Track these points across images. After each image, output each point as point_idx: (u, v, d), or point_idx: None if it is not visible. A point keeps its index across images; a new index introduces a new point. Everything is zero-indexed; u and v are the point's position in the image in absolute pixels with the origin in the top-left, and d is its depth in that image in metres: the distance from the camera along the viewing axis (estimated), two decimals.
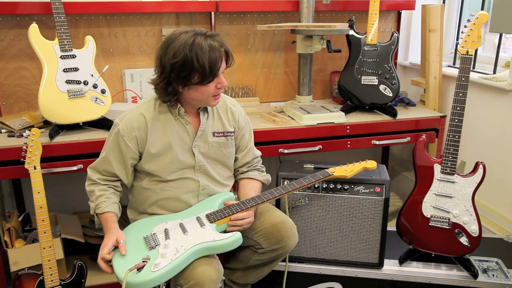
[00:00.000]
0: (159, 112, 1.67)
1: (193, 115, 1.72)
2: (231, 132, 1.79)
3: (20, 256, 2.06)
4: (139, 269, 1.45)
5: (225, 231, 1.63)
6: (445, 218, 1.93)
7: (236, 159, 1.87)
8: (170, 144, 1.68)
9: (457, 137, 1.87)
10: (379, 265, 2.00)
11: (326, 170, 1.86)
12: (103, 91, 2.15)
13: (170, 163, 1.69)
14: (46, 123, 2.17)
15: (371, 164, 1.90)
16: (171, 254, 1.49)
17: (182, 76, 1.54)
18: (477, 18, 1.83)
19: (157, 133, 1.67)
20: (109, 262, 1.53)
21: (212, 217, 1.65)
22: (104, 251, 1.52)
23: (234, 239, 1.56)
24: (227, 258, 1.94)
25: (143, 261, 1.47)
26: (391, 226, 2.10)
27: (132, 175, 1.74)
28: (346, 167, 1.88)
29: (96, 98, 2.13)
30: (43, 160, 1.90)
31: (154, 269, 1.44)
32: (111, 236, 1.56)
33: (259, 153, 1.95)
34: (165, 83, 1.58)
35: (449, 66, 2.83)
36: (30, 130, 1.81)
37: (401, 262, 2.03)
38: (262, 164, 1.97)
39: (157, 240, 1.57)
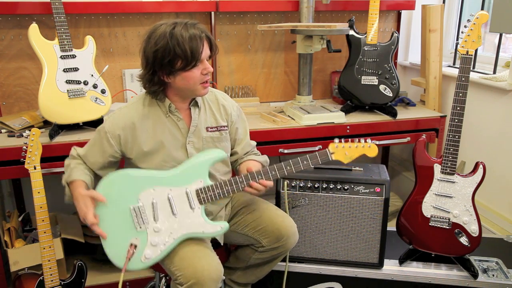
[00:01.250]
0: (149, 110, 1.66)
1: (184, 111, 1.70)
2: (224, 126, 1.77)
3: (20, 256, 2.06)
4: (130, 257, 1.55)
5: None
6: (445, 218, 1.93)
7: (235, 153, 1.86)
8: (162, 142, 1.66)
9: (457, 137, 1.87)
10: (379, 265, 2.00)
11: (326, 150, 1.69)
12: (103, 91, 2.15)
13: (163, 161, 1.66)
14: (46, 123, 2.17)
15: (373, 151, 1.70)
16: (160, 244, 1.56)
17: (165, 63, 1.53)
18: (477, 18, 1.82)
19: (147, 131, 1.65)
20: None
21: (202, 197, 1.61)
22: (89, 218, 1.53)
23: (222, 231, 1.63)
24: (227, 257, 1.94)
25: (131, 244, 1.55)
26: (391, 226, 2.10)
27: (109, 170, 1.70)
28: (347, 150, 1.69)
29: (96, 98, 2.13)
30: (43, 160, 1.90)
31: (145, 260, 1.57)
32: (83, 199, 1.56)
33: (254, 142, 1.93)
34: (150, 73, 1.57)
35: (449, 66, 2.83)
36: (30, 130, 1.81)
37: (401, 262, 2.03)
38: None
39: (146, 219, 1.58)
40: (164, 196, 1.60)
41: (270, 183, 1.65)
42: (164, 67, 1.54)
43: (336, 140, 1.68)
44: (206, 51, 1.57)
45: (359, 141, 1.69)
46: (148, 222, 1.57)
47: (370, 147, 1.69)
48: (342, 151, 1.68)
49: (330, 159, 1.68)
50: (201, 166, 1.63)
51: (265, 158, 1.90)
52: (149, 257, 1.55)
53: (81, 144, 2.01)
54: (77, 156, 1.72)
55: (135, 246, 1.54)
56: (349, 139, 1.70)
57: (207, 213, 1.66)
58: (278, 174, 1.65)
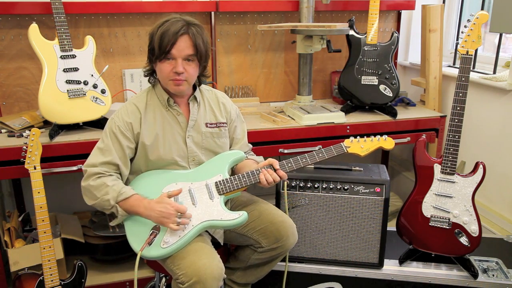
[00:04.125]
0: (151, 104, 1.71)
1: (183, 106, 1.74)
2: (223, 123, 1.81)
3: (20, 256, 2.06)
4: (150, 243, 1.56)
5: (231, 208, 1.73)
6: (445, 218, 1.93)
7: None
8: (163, 135, 1.69)
9: (457, 137, 1.87)
10: (379, 265, 2.00)
11: (341, 144, 1.77)
12: (103, 91, 2.15)
13: (163, 154, 1.70)
14: (46, 123, 2.17)
15: (389, 144, 1.78)
16: (179, 230, 1.57)
17: (149, 49, 1.63)
18: (477, 18, 1.82)
19: (149, 124, 1.68)
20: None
21: (222, 188, 1.67)
22: (183, 209, 1.54)
23: (240, 220, 1.62)
24: (227, 257, 1.94)
25: (152, 232, 1.56)
26: (391, 226, 2.10)
27: (129, 167, 1.72)
28: (363, 144, 1.77)
29: (96, 98, 2.13)
30: (43, 160, 1.90)
31: (164, 246, 1.56)
32: (162, 201, 1.56)
33: (251, 145, 1.97)
34: (148, 55, 1.66)
35: (449, 66, 2.83)
36: (30, 130, 1.81)
37: (401, 262, 2.03)
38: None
39: None
40: (186, 189, 1.67)
41: (285, 175, 1.71)
42: (149, 52, 1.64)
43: (352, 138, 1.77)
44: (181, 51, 1.58)
45: (374, 136, 1.78)
46: None
47: (386, 140, 1.78)
48: (357, 145, 1.77)
49: (346, 151, 1.76)
50: (221, 163, 1.74)
51: (261, 159, 1.91)
52: (168, 241, 1.57)
53: (81, 144, 2.02)
54: (101, 167, 1.62)
55: (156, 234, 1.57)
56: (364, 136, 1.78)
57: None
58: (294, 166, 1.74)
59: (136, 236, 1.61)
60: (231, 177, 1.69)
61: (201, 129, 1.75)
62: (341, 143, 1.77)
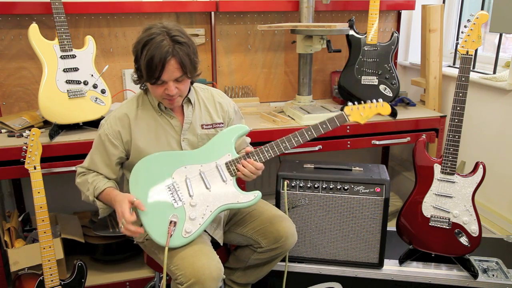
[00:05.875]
0: (142, 109, 1.68)
1: (177, 109, 1.70)
2: (220, 123, 1.77)
3: (20, 256, 2.06)
4: (172, 233, 1.57)
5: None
6: (445, 218, 1.93)
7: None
8: (157, 140, 1.67)
9: (457, 137, 1.87)
10: (379, 265, 2.00)
11: (343, 113, 1.74)
12: (103, 91, 2.15)
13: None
14: (46, 123, 2.17)
15: (385, 109, 1.78)
16: (199, 217, 1.60)
17: (136, 67, 1.59)
18: (477, 18, 1.82)
19: (142, 131, 1.66)
20: (135, 222, 1.53)
21: (233, 169, 1.66)
22: (127, 216, 1.50)
23: (256, 200, 1.65)
24: (227, 258, 1.94)
25: (171, 222, 1.57)
26: (391, 226, 2.10)
27: (119, 171, 1.73)
28: (362, 111, 1.75)
29: (96, 98, 2.13)
30: (43, 160, 1.90)
31: (186, 235, 1.58)
32: (121, 202, 1.54)
33: (249, 139, 1.96)
34: (135, 69, 1.61)
35: (449, 66, 2.83)
36: (30, 130, 1.81)
37: (401, 262, 2.03)
38: None
39: (181, 195, 1.62)
40: (196, 172, 1.66)
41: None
42: (137, 69, 1.60)
43: (350, 104, 1.75)
44: (170, 75, 1.52)
45: (371, 102, 1.76)
46: (184, 198, 1.62)
47: (383, 106, 1.77)
48: (357, 112, 1.75)
49: (348, 121, 1.74)
50: (227, 141, 1.70)
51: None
52: (190, 231, 1.58)
53: (81, 144, 2.02)
54: (87, 170, 1.70)
55: (175, 223, 1.58)
56: (362, 101, 1.76)
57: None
58: (301, 140, 1.70)
59: (155, 228, 1.58)
60: (241, 156, 1.66)
61: (197, 131, 1.72)
62: (342, 112, 1.74)
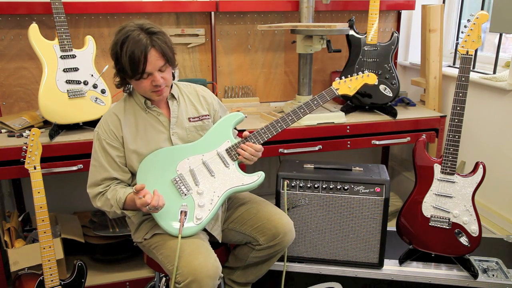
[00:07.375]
0: (129, 109, 1.71)
1: (163, 105, 1.74)
2: (206, 115, 1.81)
3: (20, 256, 2.06)
4: (184, 223, 1.62)
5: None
6: (445, 218, 1.93)
7: None
8: (146, 138, 1.69)
9: (457, 137, 1.87)
10: (379, 265, 2.00)
11: (331, 88, 1.85)
12: (103, 91, 2.15)
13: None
14: (46, 123, 2.17)
15: (372, 79, 1.86)
16: (207, 203, 1.66)
17: (117, 69, 1.62)
18: (477, 18, 1.82)
19: (131, 130, 1.69)
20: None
21: (234, 154, 1.72)
22: (153, 204, 1.51)
23: (260, 180, 1.70)
24: (226, 257, 1.94)
25: (181, 211, 1.63)
26: (391, 226, 2.10)
27: (129, 172, 1.73)
28: (350, 83, 1.85)
29: (96, 98, 2.13)
30: (43, 160, 1.90)
31: (198, 222, 1.63)
32: (131, 196, 1.59)
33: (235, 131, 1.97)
34: (116, 72, 1.64)
35: (449, 66, 2.83)
36: (30, 130, 1.81)
37: (401, 262, 2.03)
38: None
39: (187, 185, 1.67)
40: (199, 162, 1.71)
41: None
42: (118, 72, 1.63)
43: (337, 79, 1.86)
44: (153, 65, 1.56)
45: (357, 74, 1.86)
46: (191, 188, 1.67)
47: (369, 76, 1.86)
48: (345, 85, 1.84)
49: (336, 94, 1.84)
50: (225, 129, 1.77)
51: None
52: (200, 218, 1.63)
53: (81, 144, 2.02)
54: (102, 188, 1.68)
55: (186, 213, 1.63)
56: (349, 75, 1.85)
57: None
58: (295, 118, 1.78)
59: (167, 221, 1.63)
60: (240, 140, 1.73)
61: (184, 124, 1.76)
62: (331, 87, 1.84)
